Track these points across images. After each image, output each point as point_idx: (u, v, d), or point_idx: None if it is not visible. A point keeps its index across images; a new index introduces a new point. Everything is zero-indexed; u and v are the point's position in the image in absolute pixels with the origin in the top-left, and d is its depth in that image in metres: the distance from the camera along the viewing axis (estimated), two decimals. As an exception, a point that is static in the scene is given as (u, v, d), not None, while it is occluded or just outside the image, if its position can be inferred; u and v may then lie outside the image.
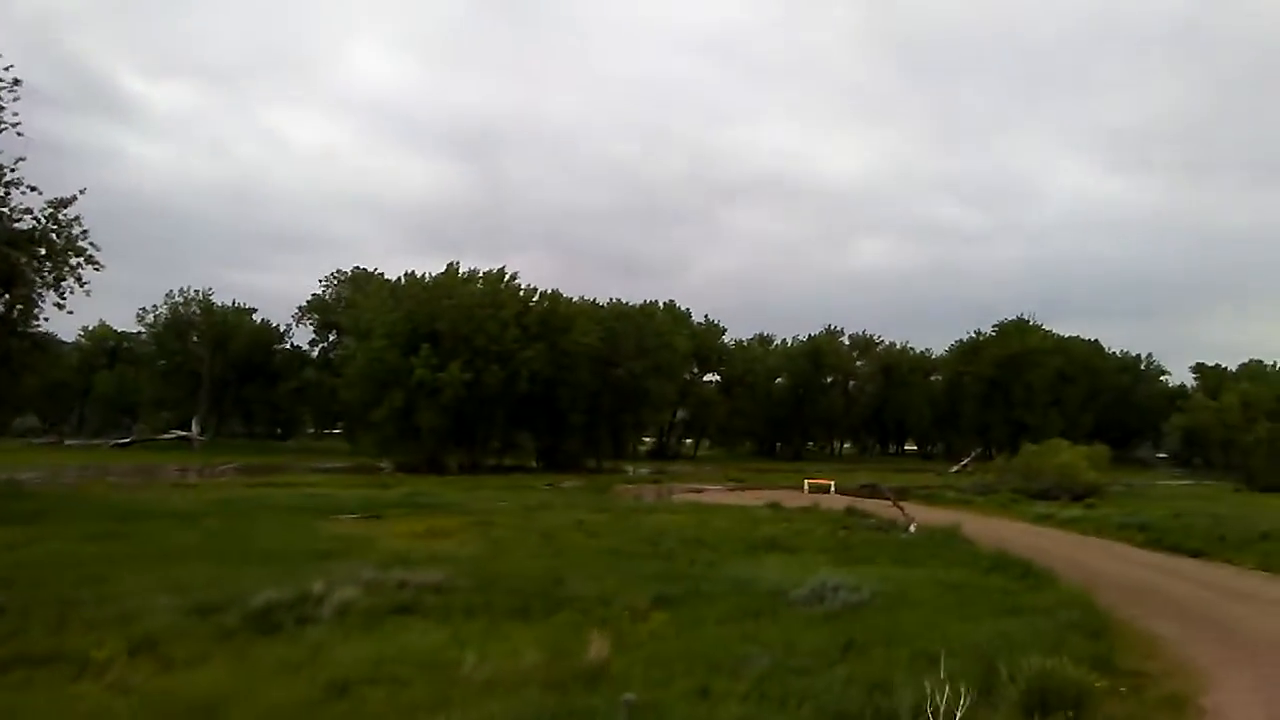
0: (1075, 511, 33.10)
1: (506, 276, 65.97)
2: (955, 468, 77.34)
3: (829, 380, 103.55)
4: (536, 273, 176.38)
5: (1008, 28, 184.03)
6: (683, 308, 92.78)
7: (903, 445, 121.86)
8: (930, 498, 45.36)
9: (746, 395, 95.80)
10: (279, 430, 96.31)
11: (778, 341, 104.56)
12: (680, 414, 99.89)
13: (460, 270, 65.38)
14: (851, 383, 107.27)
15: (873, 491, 41.02)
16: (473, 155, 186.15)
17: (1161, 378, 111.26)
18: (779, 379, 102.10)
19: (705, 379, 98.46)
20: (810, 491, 47.65)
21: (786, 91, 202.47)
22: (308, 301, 79.46)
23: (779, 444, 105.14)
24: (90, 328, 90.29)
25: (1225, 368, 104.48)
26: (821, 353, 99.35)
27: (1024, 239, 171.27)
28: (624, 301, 77.04)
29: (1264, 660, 11.17)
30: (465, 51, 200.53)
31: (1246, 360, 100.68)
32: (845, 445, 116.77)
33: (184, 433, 75.99)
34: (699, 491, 49.21)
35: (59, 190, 34.05)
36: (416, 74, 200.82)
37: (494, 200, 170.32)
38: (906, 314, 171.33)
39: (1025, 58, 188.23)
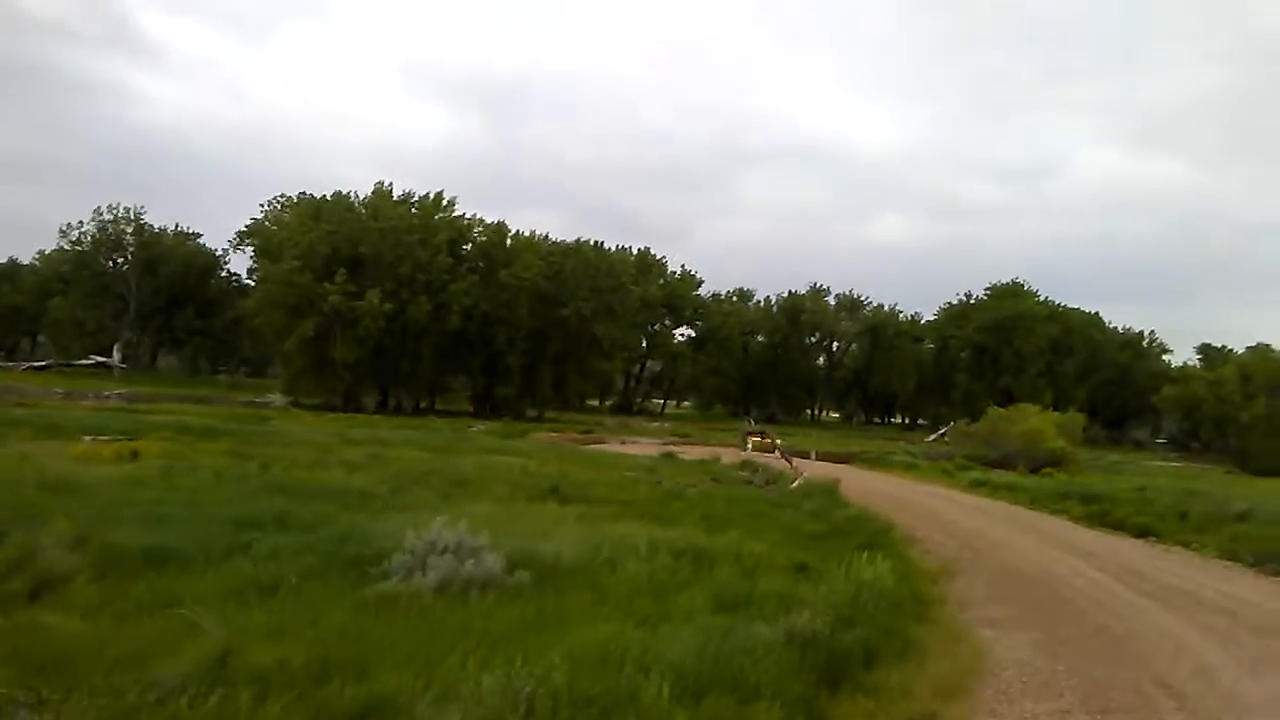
0: (1017, 479, 27.48)
1: (444, 202, 60.09)
2: (931, 437, 71.72)
3: (810, 340, 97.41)
4: (550, 231, 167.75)
5: (1043, 5, 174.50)
6: (657, 255, 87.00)
7: (890, 414, 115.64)
8: (875, 461, 40.29)
9: (719, 351, 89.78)
10: (244, 366, 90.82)
11: (760, 298, 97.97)
12: (651, 368, 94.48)
13: (394, 193, 59.48)
14: (835, 345, 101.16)
15: (762, 439, 35.92)
16: (493, 110, 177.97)
17: (1164, 357, 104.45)
18: (759, 337, 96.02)
19: (678, 332, 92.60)
20: (753, 449, 43.96)
21: (817, 62, 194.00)
22: (246, 226, 73.20)
23: (753, 406, 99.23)
24: (46, 251, 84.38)
25: (1232, 349, 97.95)
26: (802, 310, 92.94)
27: (1047, 218, 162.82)
28: (581, 239, 70.70)
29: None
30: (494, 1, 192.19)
31: (1255, 344, 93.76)
32: (830, 414, 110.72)
33: (104, 359, 70.65)
34: (621, 443, 44.27)
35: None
36: (440, 24, 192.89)
37: (512, 156, 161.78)
38: (928, 289, 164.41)
39: (1058, 37, 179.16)
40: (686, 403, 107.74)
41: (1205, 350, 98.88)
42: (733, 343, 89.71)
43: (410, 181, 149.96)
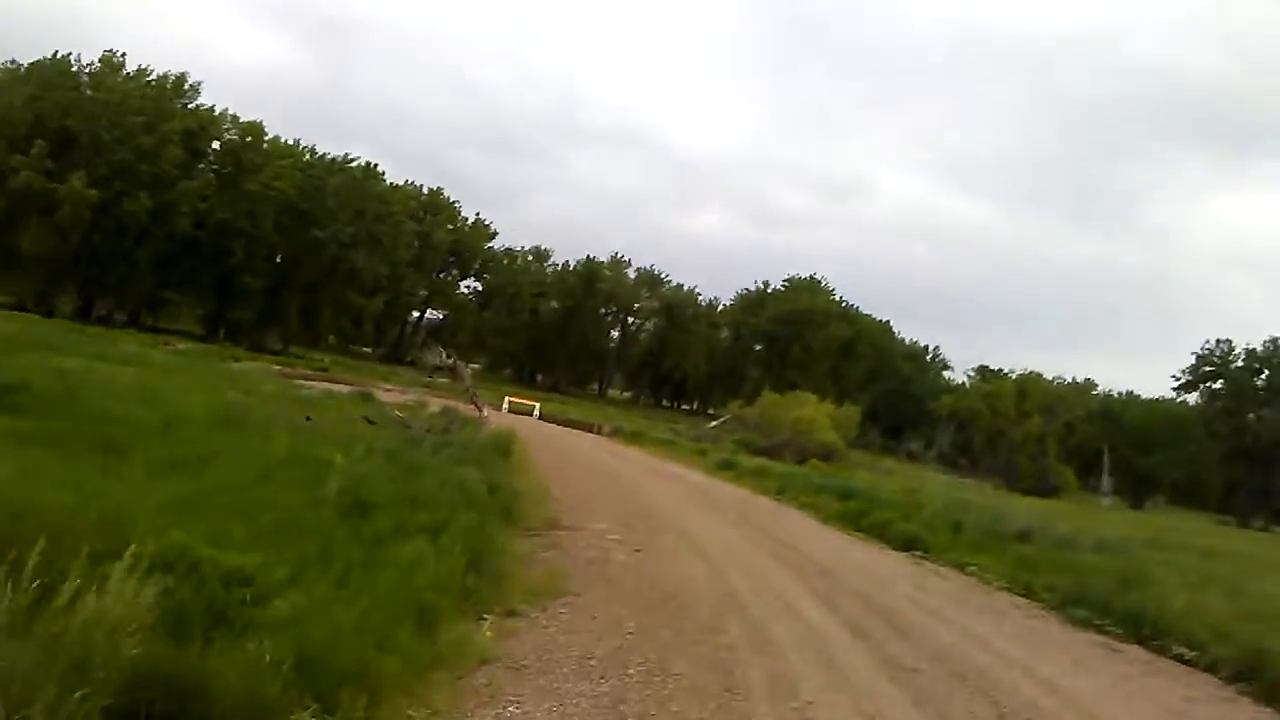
0: (773, 465, 23.04)
1: (186, 86, 51.05)
2: (713, 423, 68.47)
3: (605, 311, 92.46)
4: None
5: (876, 32, 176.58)
6: (450, 198, 79.63)
7: (681, 399, 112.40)
8: (635, 436, 35.66)
9: (506, 310, 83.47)
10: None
11: (559, 261, 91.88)
12: (433, 319, 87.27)
13: (127, 66, 49.88)
14: (631, 320, 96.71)
15: (451, 373, 31.20)
16: (318, 42, 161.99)
17: (945, 373, 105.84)
18: (552, 302, 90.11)
19: (465, 284, 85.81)
20: (510, 410, 40.23)
21: (654, 52, 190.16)
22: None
23: (540, 373, 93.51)
24: None
25: (1009, 373, 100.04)
26: (599, 278, 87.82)
27: (851, 234, 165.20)
28: (349, 156, 61.95)
29: None
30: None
31: (1027, 370, 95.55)
32: (621, 392, 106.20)
33: None
34: (342, 384, 37.70)
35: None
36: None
37: (336, 93, 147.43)
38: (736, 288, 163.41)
39: (888, 64, 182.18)
40: (474, 365, 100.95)
41: (982, 371, 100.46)
42: (521, 302, 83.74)
43: (237, 107, 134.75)
